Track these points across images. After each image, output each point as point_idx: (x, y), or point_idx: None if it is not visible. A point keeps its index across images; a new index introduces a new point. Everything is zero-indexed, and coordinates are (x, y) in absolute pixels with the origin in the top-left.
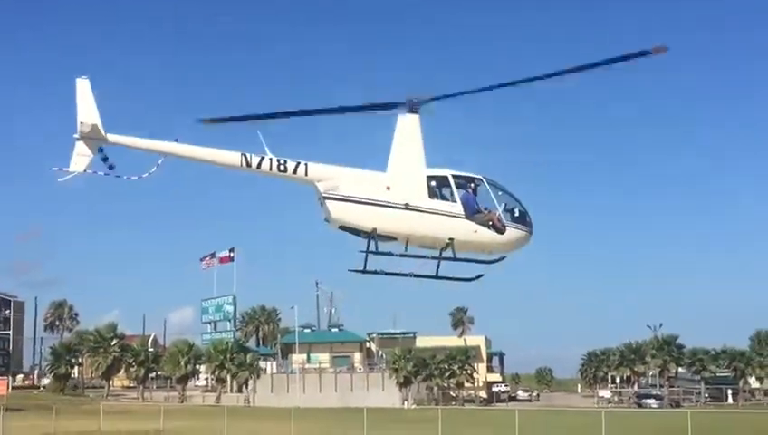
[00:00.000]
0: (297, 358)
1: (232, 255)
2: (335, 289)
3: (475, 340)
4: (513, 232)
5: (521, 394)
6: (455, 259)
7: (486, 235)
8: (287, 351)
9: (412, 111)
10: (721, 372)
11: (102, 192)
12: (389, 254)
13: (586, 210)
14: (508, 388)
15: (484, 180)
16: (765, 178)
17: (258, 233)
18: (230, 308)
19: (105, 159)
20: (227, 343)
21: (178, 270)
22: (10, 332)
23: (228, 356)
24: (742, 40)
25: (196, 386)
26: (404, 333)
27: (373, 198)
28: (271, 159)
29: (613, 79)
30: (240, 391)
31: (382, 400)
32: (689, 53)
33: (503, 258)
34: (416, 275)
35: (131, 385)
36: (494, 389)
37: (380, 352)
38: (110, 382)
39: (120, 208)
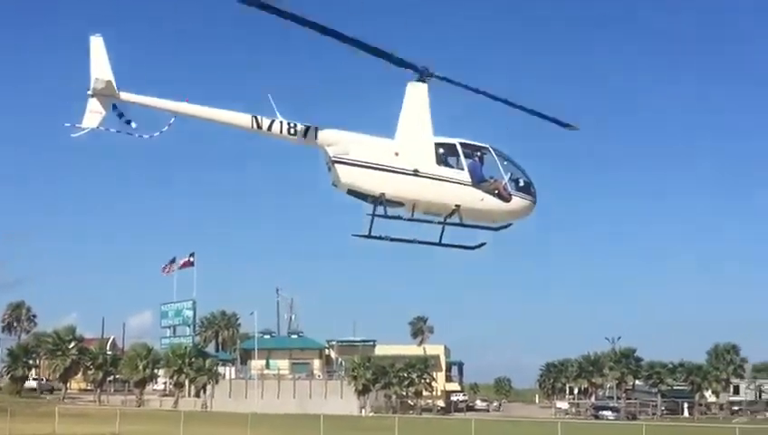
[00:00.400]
0: (256, 364)
1: (192, 259)
2: (295, 296)
3: (434, 349)
4: (518, 201)
5: (479, 404)
6: (462, 225)
7: (492, 202)
8: (246, 356)
9: (422, 80)
10: (678, 386)
11: (61, 193)
12: (398, 218)
13: (544, 222)
14: (466, 397)
15: (491, 150)
16: (724, 192)
17: (219, 238)
18: (189, 313)
19: (121, 115)
20: (186, 347)
21: (138, 274)
22: None
23: (187, 361)
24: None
25: (154, 390)
26: (364, 341)
27: (382, 164)
28: (281, 121)
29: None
30: (198, 395)
31: (340, 407)
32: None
33: (508, 226)
34: (419, 242)
35: (89, 388)
36: (453, 398)
37: (340, 360)
38: (68, 385)
39: (80, 210)
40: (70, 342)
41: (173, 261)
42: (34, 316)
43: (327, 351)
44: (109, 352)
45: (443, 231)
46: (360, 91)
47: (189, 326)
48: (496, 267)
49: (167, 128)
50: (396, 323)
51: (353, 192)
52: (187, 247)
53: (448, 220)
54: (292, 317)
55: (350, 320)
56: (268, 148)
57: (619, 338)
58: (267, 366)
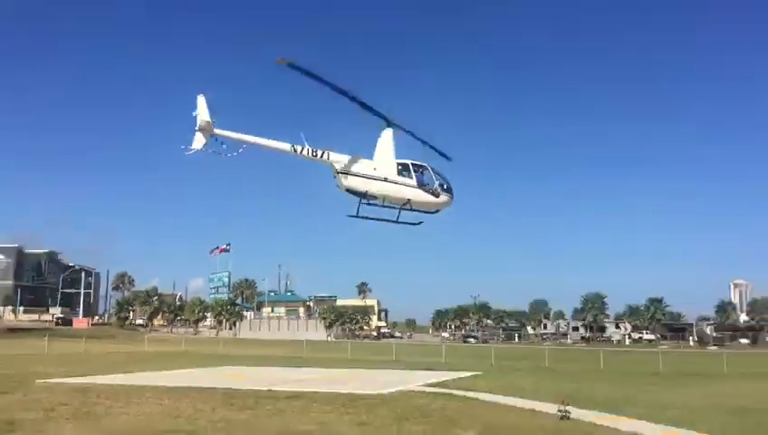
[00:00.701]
0: (266, 310)
1: (228, 247)
2: (290, 269)
3: (371, 301)
4: (443, 197)
5: (397, 334)
6: (411, 210)
7: (429, 198)
8: (260, 305)
9: (390, 126)
10: (512, 324)
11: (143, 207)
12: (375, 204)
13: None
14: (390, 330)
15: (428, 166)
16: (544, 178)
17: (245, 233)
18: (226, 280)
19: (216, 139)
20: (224, 300)
21: (196, 255)
22: (91, 290)
23: (225, 308)
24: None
25: (204, 325)
26: (330, 297)
27: (367, 174)
28: (308, 148)
29: None
30: (231, 329)
31: (316, 336)
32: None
33: (437, 211)
34: (385, 220)
35: (165, 324)
36: (382, 331)
37: (315, 308)
38: (152, 322)
39: (160, 214)
40: (154, 296)
41: (217, 248)
42: (132, 280)
43: (308, 303)
44: (178, 302)
45: (399, 213)
46: (351, 128)
47: (226, 287)
48: (409, 251)
49: (241, 150)
50: (349, 285)
51: (350, 191)
52: (226, 239)
53: (403, 207)
54: (288, 283)
55: (323, 283)
56: (286, 175)
57: (479, 295)
58: (272, 311)
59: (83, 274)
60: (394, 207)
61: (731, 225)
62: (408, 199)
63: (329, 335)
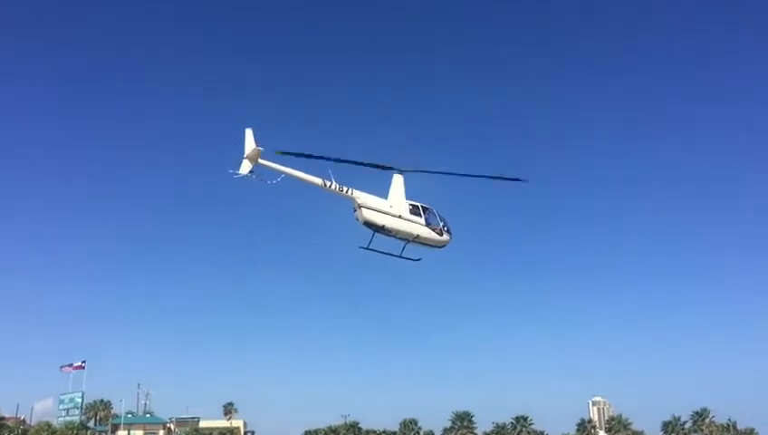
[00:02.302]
0: (121, 434)
1: (83, 364)
2: (150, 389)
3: (237, 422)
4: (445, 236)
5: None
6: (420, 243)
7: (433, 235)
8: (115, 428)
9: (400, 173)
10: None
11: None
12: (391, 237)
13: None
14: None
15: (433, 209)
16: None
17: (104, 349)
18: (79, 400)
19: (252, 172)
20: (75, 423)
21: (44, 373)
22: None
23: (75, 432)
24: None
25: None
26: (192, 418)
27: (384, 210)
28: (336, 184)
29: None
30: None
31: None
32: None
33: (444, 247)
34: (392, 254)
35: None
36: None
37: (177, 430)
38: None
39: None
40: None
41: (70, 365)
42: None
43: (169, 425)
44: (21, 427)
45: (404, 248)
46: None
47: (78, 409)
48: (278, 368)
49: (279, 180)
50: (214, 405)
51: (367, 223)
52: (81, 355)
53: (412, 241)
54: (147, 403)
55: (186, 402)
56: (147, 287)
57: (349, 415)
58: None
59: None
60: (406, 240)
61: (590, 345)
62: (417, 235)
63: None
